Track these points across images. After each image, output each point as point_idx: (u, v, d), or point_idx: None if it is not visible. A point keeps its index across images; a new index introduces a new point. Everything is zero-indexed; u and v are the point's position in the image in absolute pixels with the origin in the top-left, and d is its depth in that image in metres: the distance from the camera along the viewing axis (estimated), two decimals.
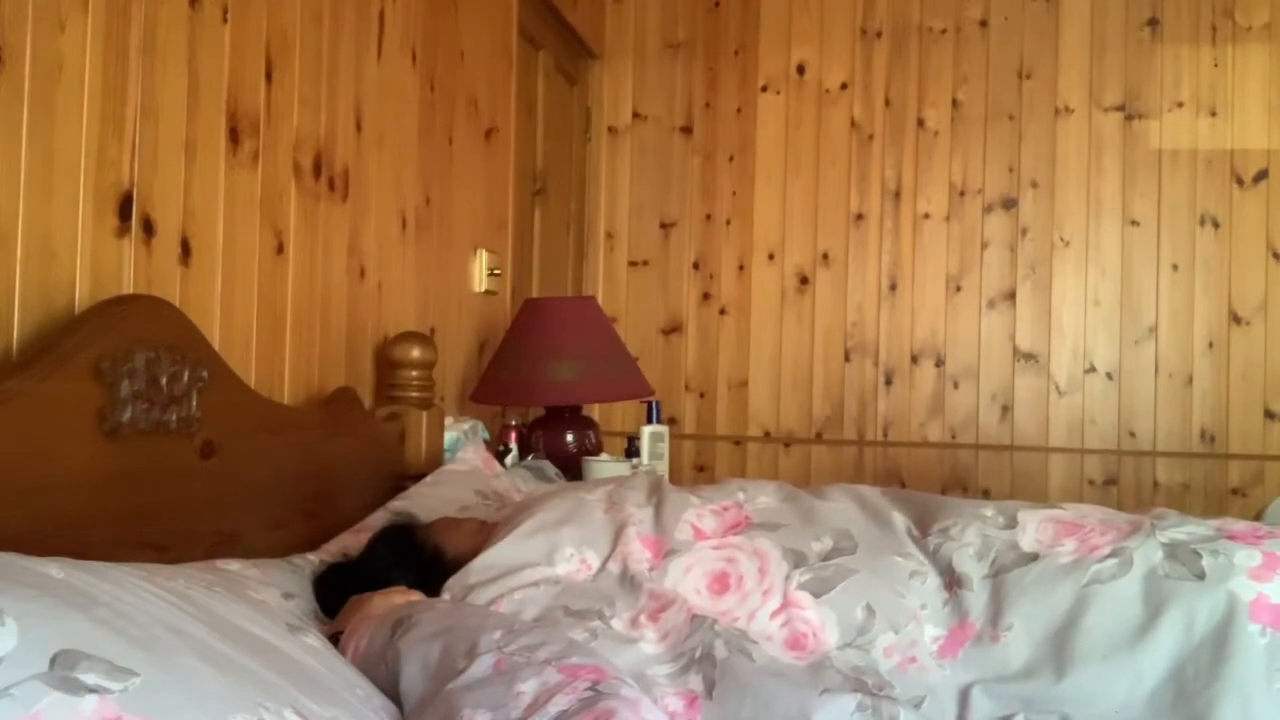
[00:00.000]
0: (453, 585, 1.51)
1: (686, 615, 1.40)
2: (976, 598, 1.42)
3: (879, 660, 1.37)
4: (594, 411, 3.27)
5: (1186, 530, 1.41)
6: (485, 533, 1.66)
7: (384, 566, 1.55)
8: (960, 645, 1.39)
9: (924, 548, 1.52)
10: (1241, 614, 1.28)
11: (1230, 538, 1.38)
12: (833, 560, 1.48)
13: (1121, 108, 3.74)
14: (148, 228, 1.55)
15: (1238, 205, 3.67)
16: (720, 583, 1.47)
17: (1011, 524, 1.50)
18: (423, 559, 1.58)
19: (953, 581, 1.46)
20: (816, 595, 1.43)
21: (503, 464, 2.41)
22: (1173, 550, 1.38)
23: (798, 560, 1.48)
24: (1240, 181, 3.67)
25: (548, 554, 1.53)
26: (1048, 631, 1.36)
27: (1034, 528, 1.49)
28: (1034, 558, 1.44)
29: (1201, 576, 1.33)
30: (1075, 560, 1.41)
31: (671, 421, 3.79)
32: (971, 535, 1.49)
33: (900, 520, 1.58)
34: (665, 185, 3.96)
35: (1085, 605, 1.36)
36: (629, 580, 1.48)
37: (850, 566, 1.47)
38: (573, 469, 2.52)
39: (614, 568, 1.51)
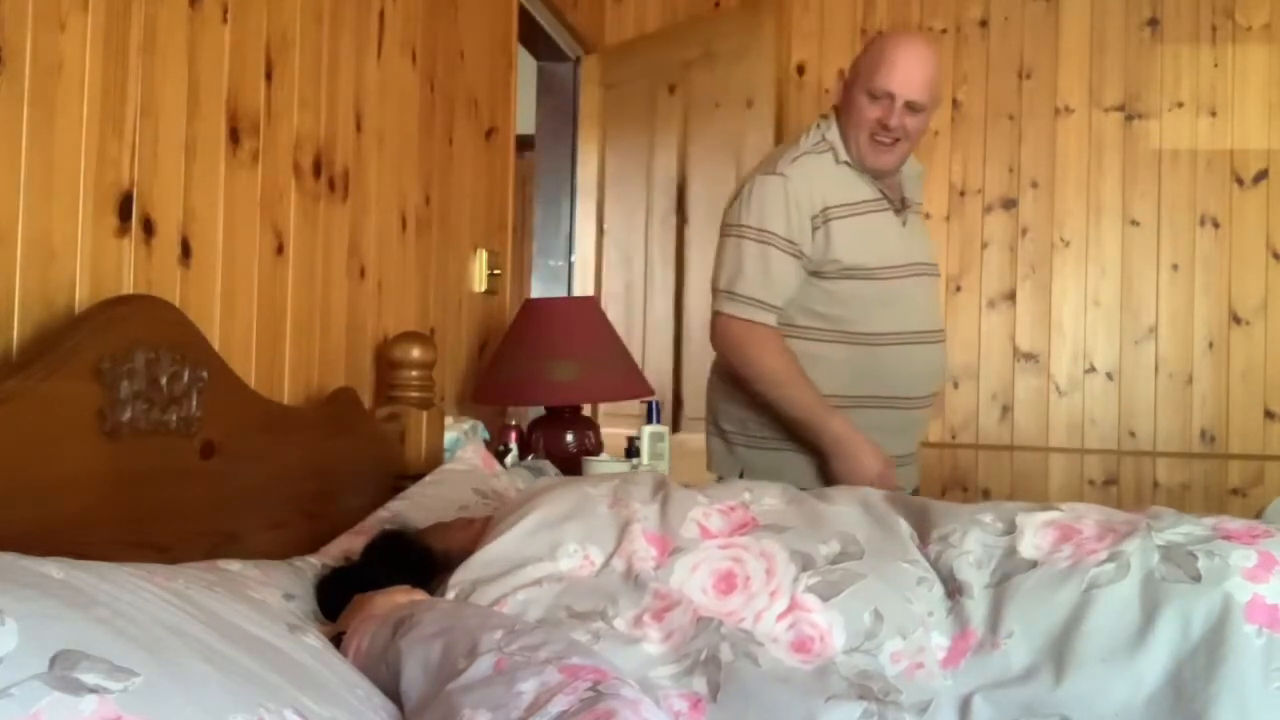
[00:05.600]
0: (457, 581, 1.50)
1: (692, 616, 1.39)
2: (978, 606, 1.42)
3: (885, 665, 1.36)
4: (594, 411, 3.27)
5: (1183, 531, 1.41)
6: (475, 526, 1.65)
7: (380, 574, 1.54)
8: (962, 655, 1.38)
9: (926, 555, 1.52)
10: (1237, 615, 1.27)
11: (1226, 537, 1.37)
12: (840, 564, 1.47)
13: (1121, 108, 3.73)
14: (148, 228, 1.55)
15: (1238, 205, 3.67)
16: (727, 582, 1.46)
17: (1010, 529, 1.50)
18: (413, 560, 1.57)
19: (955, 589, 1.45)
20: (824, 599, 1.42)
21: (502, 464, 2.41)
22: (1169, 552, 1.37)
23: (805, 563, 1.47)
24: (1240, 181, 3.67)
25: (551, 549, 1.53)
26: (1047, 637, 1.35)
27: (1032, 533, 1.48)
28: (1033, 564, 1.43)
29: (1198, 579, 1.33)
30: (1073, 565, 1.41)
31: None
32: (971, 543, 1.49)
33: (904, 526, 1.57)
34: None
35: (1083, 610, 1.35)
36: (633, 578, 1.47)
37: (858, 571, 1.46)
38: (573, 469, 2.52)
39: (618, 565, 1.50)
